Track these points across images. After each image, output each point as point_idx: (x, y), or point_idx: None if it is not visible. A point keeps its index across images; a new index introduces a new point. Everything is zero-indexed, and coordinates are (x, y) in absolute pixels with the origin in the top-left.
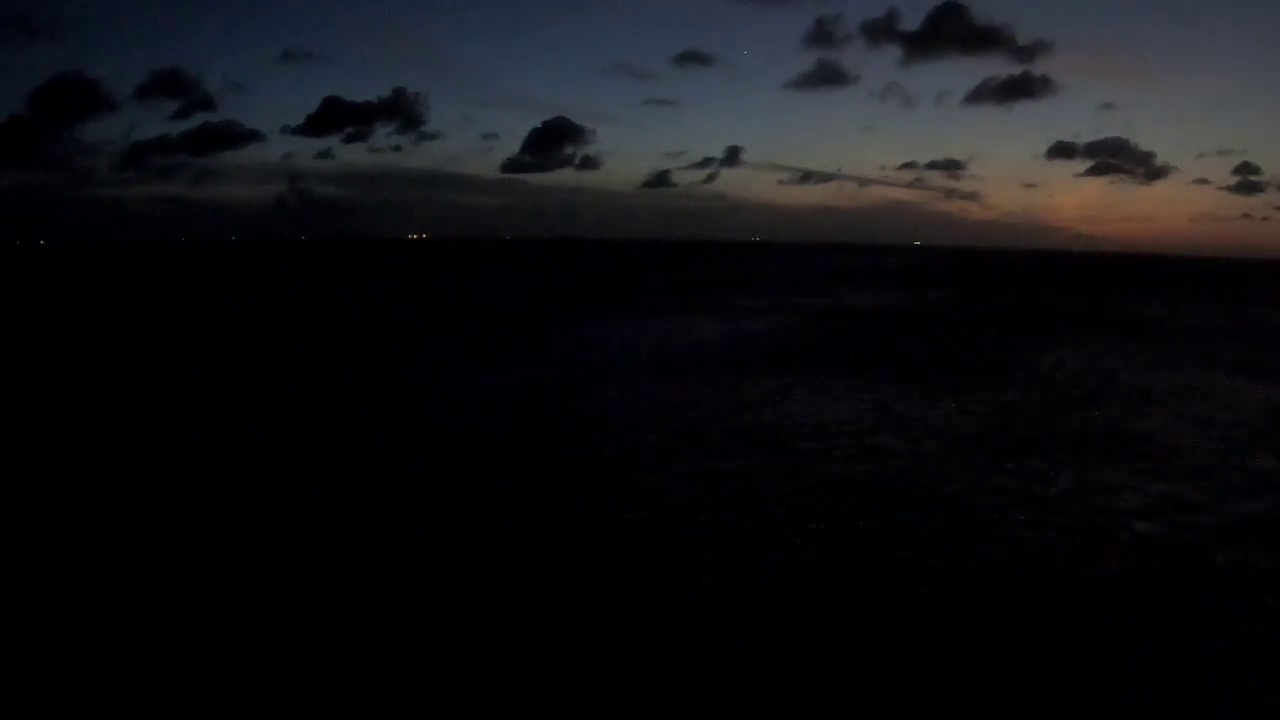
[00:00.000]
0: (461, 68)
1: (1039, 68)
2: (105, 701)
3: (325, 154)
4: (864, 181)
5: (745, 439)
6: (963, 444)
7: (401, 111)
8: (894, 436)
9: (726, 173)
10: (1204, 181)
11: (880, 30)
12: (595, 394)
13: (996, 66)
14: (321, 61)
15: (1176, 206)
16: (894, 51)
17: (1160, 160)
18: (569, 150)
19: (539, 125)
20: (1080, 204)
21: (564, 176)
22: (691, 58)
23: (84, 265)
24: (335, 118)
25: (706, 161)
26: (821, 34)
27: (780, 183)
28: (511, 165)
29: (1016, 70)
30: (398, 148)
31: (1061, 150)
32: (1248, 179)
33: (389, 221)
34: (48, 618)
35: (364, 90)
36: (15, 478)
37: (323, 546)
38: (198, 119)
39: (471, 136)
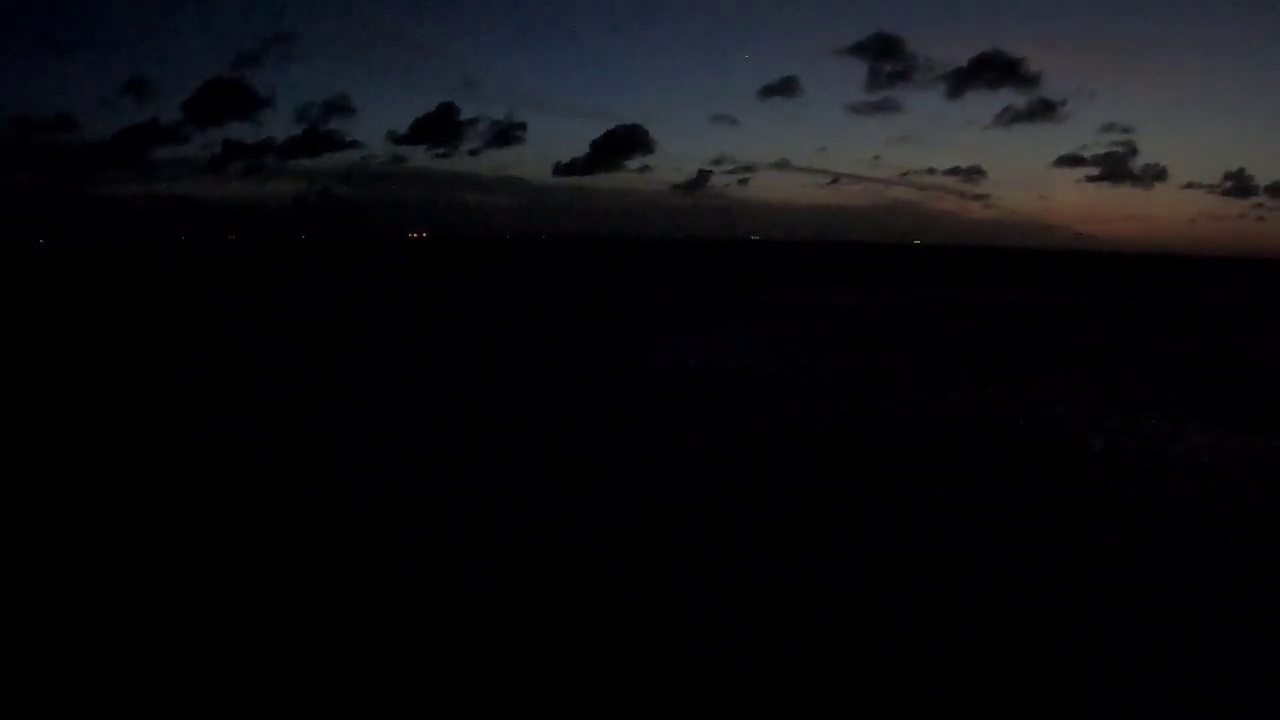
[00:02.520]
0: (573, 98)
1: (1055, 94)
2: (102, 702)
3: (399, 158)
4: (888, 184)
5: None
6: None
7: (500, 126)
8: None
9: (762, 177)
10: (1199, 186)
11: (932, 69)
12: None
13: (1018, 95)
14: (466, 91)
15: (1175, 209)
16: (940, 87)
17: (1160, 167)
18: (628, 157)
19: (610, 130)
20: (1083, 205)
21: (602, 180)
22: (774, 89)
23: (63, 264)
24: (433, 129)
25: (746, 168)
26: (882, 75)
27: (803, 186)
28: (564, 169)
29: (1036, 97)
30: (473, 152)
31: (1068, 160)
32: (1241, 184)
33: (394, 221)
34: (45, 618)
35: (483, 111)
36: (14, 478)
37: (321, 546)
38: (316, 129)
39: (548, 145)
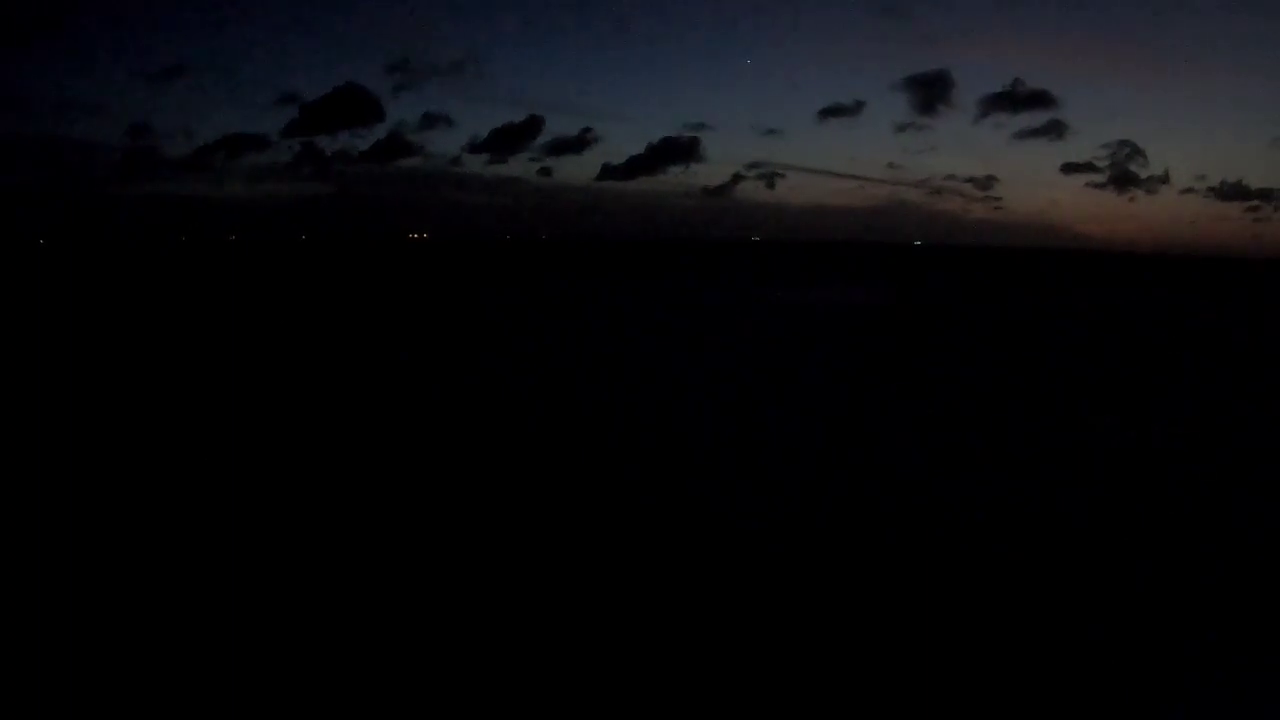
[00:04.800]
0: (653, 115)
1: (1071, 113)
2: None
3: (455, 161)
4: (906, 187)
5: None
6: None
7: (570, 136)
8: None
9: (790, 181)
10: (1198, 191)
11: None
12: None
13: (1037, 117)
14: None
15: (1175, 212)
16: (971, 111)
17: (1162, 173)
18: (675, 164)
19: (665, 137)
20: (1087, 208)
21: (642, 184)
22: (833, 111)
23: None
24: (509, 139)
25: (776, 173)
26: (924, 102)
27: (826, 190)
28: (608, 173)
29: (1053, 118)
30: (533, 159)
31: (1075, 167)
32: (1237, 189)
33: (400, 221)
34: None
35: (565, 125)
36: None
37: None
38: (400, 138)
39: (613, 153)
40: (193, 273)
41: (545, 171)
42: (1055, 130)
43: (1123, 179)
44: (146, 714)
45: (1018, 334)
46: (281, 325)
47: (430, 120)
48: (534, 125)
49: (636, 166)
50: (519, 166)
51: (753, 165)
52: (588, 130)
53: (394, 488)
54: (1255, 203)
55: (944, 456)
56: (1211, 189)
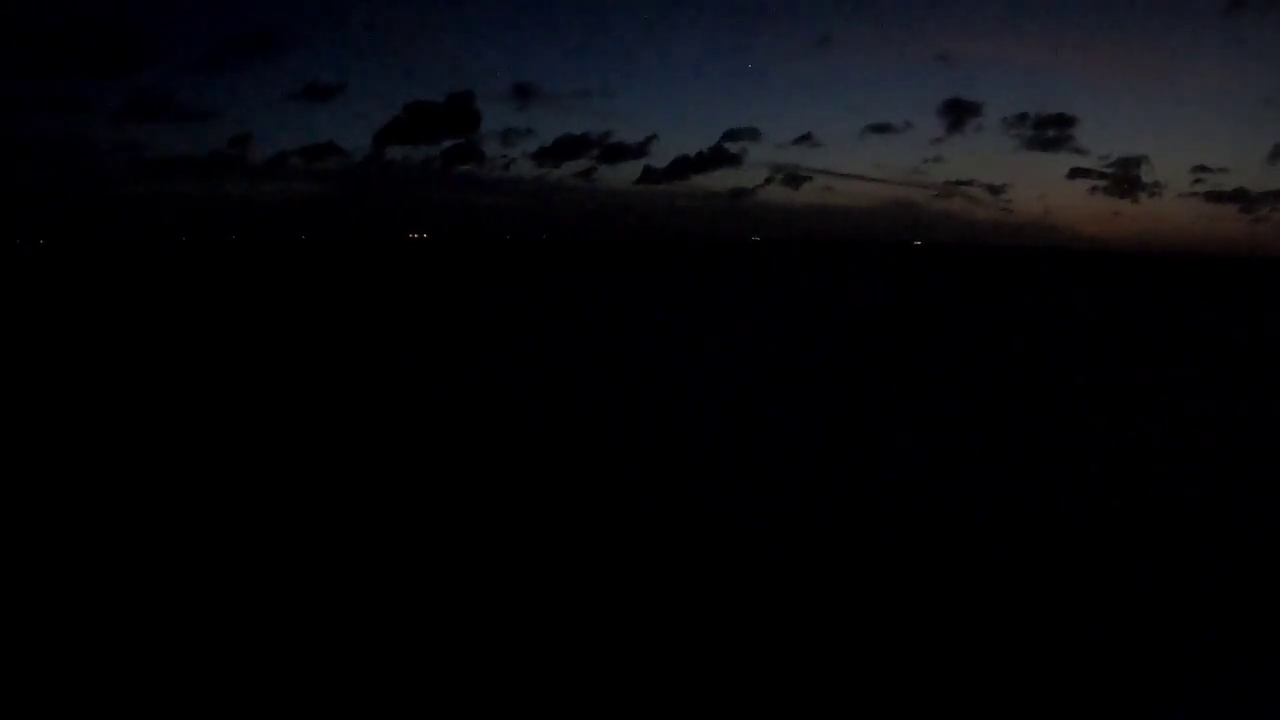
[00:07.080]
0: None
1: (1083, 129)
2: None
3: (506, 167)
4: (926, 189)
5: None
6: None
7: (634, 146)
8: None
9: (811, 184)
10: (1192, 195)
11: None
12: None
13: (1050, 133)
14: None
15: (1172, 214)
16: (996, 130)
17: (1161, 178)
18: (716, 170)
19: (707, 147)
20: (1089, 210)
21: (676, 188)
22: (877, 128)
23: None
24: (568, 147)
25: (797, 177)
26: (955, 121)
27: (841, 192)
28: (642, 178)
29: (1063, 131)
30: (590, 165)
31: (1079, 172)
32: (1235, 192)
33: (398, 221)
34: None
35: (632, 136)
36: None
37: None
38: (472, 147)
39: (663, 161)
40: (186, 272)
41: (585, 175)
42: (1067, 141)
43: (1125, 183)
44: (146, 714)
45: (1018, 334)
46: (273, 324)
47: (519, 133)
48: (602, 135)
49: (674, 172)
50: (567, 171)
51: (779, 168)
52: (651, 139)
53: (395, 487)
54: (1252, 205)
55: (944, 456)
56: (1210, 193)
